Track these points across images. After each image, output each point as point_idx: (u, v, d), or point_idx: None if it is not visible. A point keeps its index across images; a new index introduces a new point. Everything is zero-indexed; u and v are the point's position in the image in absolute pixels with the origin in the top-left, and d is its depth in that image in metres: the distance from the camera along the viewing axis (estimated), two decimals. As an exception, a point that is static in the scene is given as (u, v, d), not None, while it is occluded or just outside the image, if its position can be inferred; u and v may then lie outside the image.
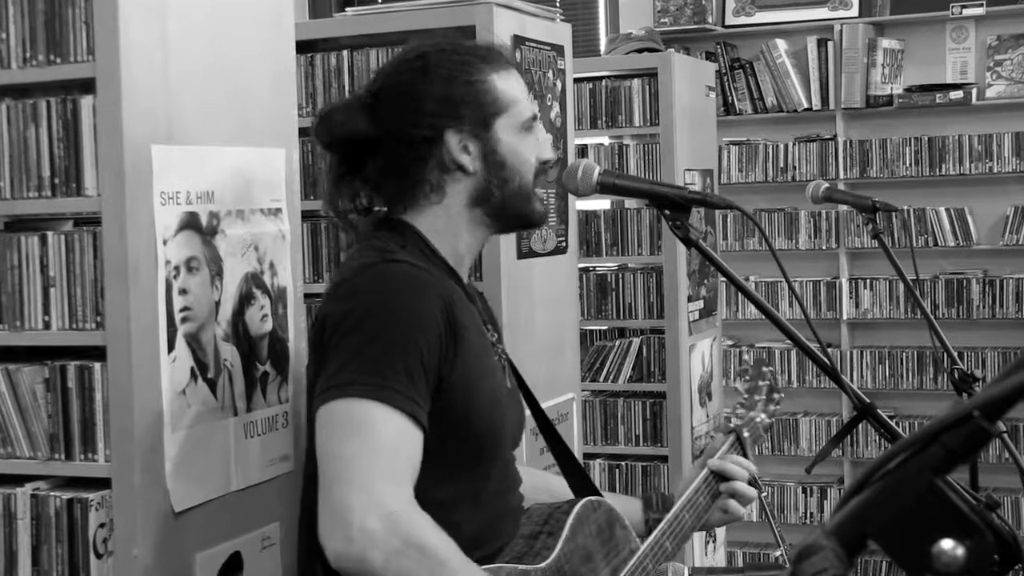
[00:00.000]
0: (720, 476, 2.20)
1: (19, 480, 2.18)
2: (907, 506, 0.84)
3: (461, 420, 1.85)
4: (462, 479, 1.89)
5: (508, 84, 1.98)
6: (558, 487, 2.20)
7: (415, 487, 1.75)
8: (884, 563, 5.83)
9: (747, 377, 2.43)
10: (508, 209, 1.98)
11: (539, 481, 2.24)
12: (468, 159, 1.94)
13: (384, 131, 1.95)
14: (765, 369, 2.45)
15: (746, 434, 2.29)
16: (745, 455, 2.26)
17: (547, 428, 2.20)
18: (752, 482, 2.23)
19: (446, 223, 1.96)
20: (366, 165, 1.98)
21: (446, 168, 1.94)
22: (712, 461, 2.20)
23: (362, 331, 1.77)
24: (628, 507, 2.20)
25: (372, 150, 1.97)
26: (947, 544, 0.83)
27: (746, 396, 2.40)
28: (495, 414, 1.92)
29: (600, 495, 2.12)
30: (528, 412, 2.19)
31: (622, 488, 4.65)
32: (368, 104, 1.97)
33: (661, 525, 2.10)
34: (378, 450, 1.70)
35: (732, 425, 2.30)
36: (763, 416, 2.38)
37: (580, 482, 2.17)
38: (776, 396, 2.44)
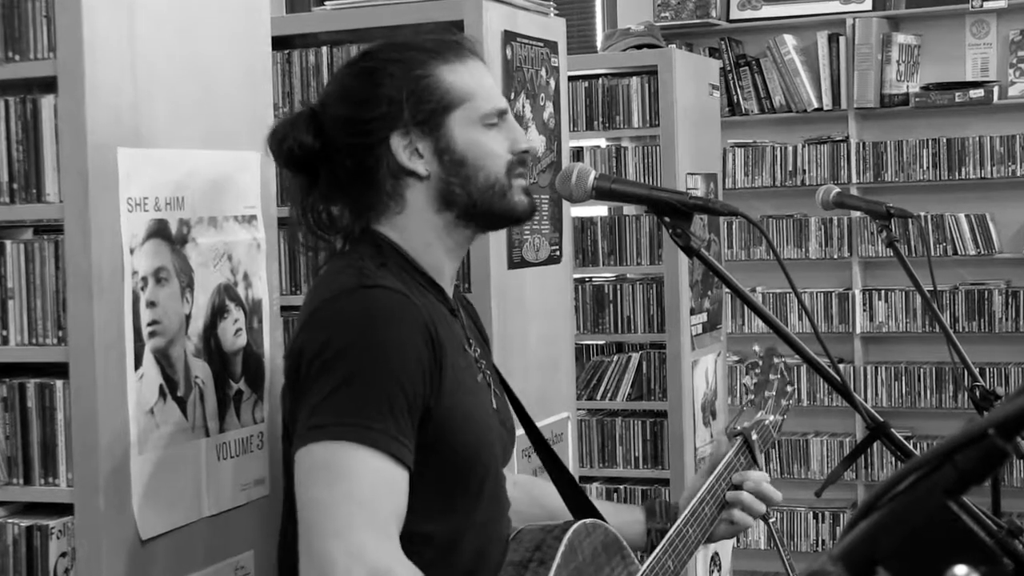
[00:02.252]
0: (729, 485, 2.19)
1: (-25, 506, 2.18)
2: (918, 530, 0.84)
3: (446, 451, 1.85)
4: (450, 511, 1.89)
5: (461, 76, 1.96)
6: (550, 499, 2.20)
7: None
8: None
9: (757, 371, 2.36)
10: (480, 207, 1.95)
11: (534, 493, 2.24)
12: (420, 163, 1.93)
13: (327, 143, 1.96)
14: (776, 360, 2.39)
15: (755, 436, 2.26)
16: (754, 459, 2.24)
17: (542, 447, 2.21)
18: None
19: (417, 233, 1.95)
20: (319, 179, 1.99)
21: (397, 174, 1.94)
22: (730, 494, 2.19)
23: (341, 367, 1.77)
24: (629, 517, 2.20)
25: (321, 163, 1.97)
26: (960, 570, 0.84)
27: (754, 393, 2.34)
28: (481, 440, 1.92)
29: (599, 516, 2.12)
30: (521, 431, 2.20)
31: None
32: (314, 115, 1.98)
33: (663, 543, 2.09)
34: (360, 497, 1.71)
35: (739, 428, 2.27)
36: (774, 416, 2.34)
37: (577, 503, 2.17)
38: (789, 389, 2.38)
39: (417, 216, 1.95)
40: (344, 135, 1.95)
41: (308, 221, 1.99)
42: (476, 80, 1.98)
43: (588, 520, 2.07)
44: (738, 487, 2.19)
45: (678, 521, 2.12)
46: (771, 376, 2.36)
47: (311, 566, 1.70)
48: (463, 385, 1.90)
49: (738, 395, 5.84)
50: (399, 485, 1.75)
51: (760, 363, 2.38)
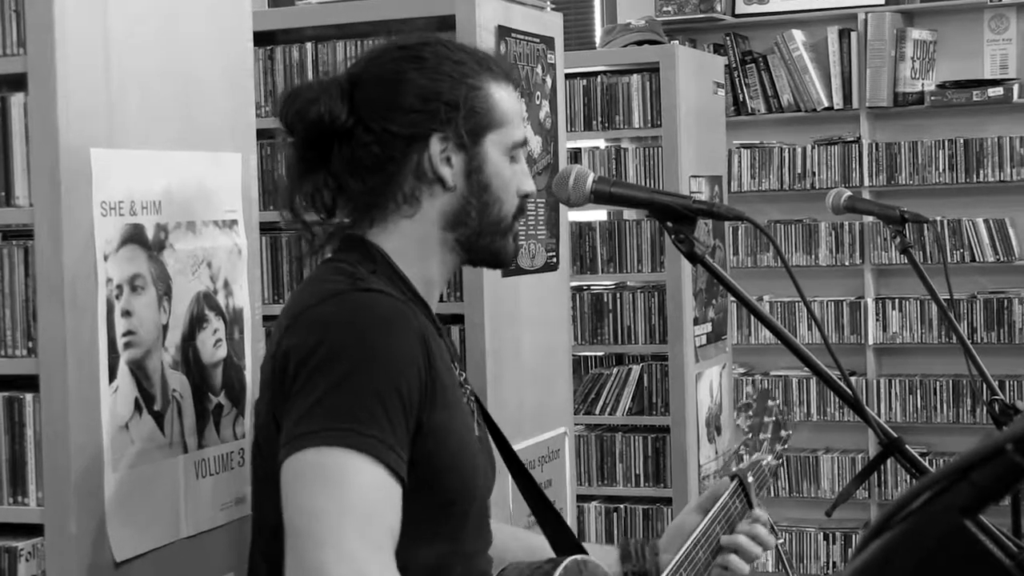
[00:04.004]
0: (724, 528, 2.21)
1: (-60, 526, 2.18)
2: (933, 551, 0.85)
3: (433, 472, 1.83)
4: (431, 540, 1.87)
5: (504, 100, 1.97)
6: (539, 547, 2.19)
7: None
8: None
9: (750, 413, 2.42)
10: (483, 239, 1.96)
11: (520, 541, 2.23)
12: (449, 172, 1.93)
13: (358, 120, 1.92)
14: (771, 403, 2.44)
15: (750, 479, 2.29)
16: (749, 502, 2.27)
17: (520, 472, 2.19)
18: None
19: (417, 244, 1.95)
20: (332, 157, 1.95)
21: (422, 177, 1.92)
22: (725, 538, 2.20)
23: (334, 370, 1.75)
24: (603, 559, 2.19)
25: (342, 140, 1.94)
26: (978, 593, 0.84)
27: (749, 435, 2.39)
28: (468, 464, 1.91)
29: (584, 550, 2.11)
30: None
31: (620, 535, 4.66)
32: (345, 87, 1.95)
33: None
34: (355, 506, 1.69)
35: (734, 469, 2.30)
36: (769, 458, 2.39)
37: (559, 534, 2.16)
38: (784, 434, 2.44)
39: (424, 226, 1.94)
40: (379, 116, 1.92)
41: (296, 203, 1.97)
42: (513, 106, 1.99)
43: (579, 557, 2.05)
44: (732, 531, 2.21)
45: (671, 565, 2.12)
46: (766, 419, 2.41)
47: None
48: (452, 405, 1.89)
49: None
50: (393, 498, 1.74)
51: (754, 405, 2.42)
